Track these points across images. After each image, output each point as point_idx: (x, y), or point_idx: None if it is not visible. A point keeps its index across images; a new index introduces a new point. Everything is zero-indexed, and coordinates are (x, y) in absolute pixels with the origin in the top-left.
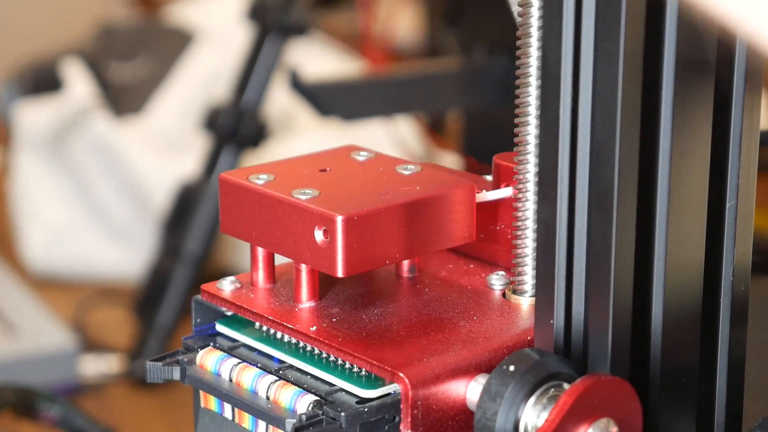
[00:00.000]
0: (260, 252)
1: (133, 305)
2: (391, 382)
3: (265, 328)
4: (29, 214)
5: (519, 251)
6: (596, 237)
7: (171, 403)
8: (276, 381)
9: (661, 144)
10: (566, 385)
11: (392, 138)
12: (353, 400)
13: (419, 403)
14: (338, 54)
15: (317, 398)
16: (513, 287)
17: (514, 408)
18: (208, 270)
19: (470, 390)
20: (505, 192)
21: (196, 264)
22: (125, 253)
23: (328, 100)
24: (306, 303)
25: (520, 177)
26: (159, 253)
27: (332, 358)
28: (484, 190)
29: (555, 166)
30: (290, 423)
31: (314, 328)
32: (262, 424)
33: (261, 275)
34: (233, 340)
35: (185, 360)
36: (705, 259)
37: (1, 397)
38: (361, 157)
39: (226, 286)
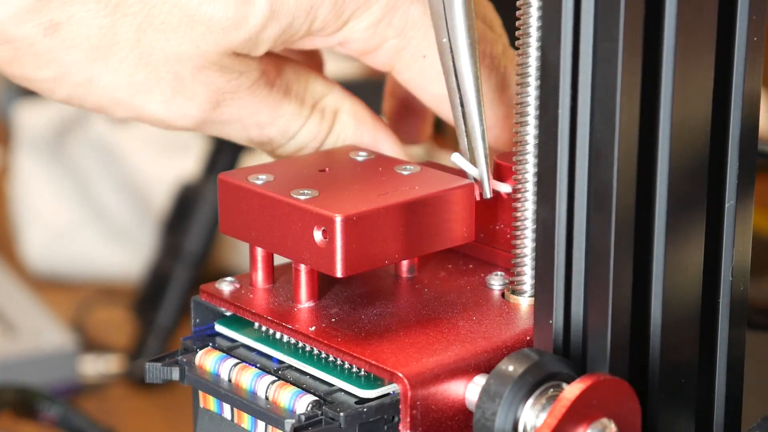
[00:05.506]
0: (259, 252)
1: (133, 305)
2: (390, 383)
3: (264, 328)
4: (29, 214)
5: (518, 251)
6: (595, 237)
7: (170, 404)
8: (275, 381)
9: (660, 144)
10: (565, 385)
11: None
12: (352, 400)
13: (418, 403)
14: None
15: (316, 398)
16: (512, 287)
17: (513, 408)
18: (208, 270)
19: (469, 390)
20: (506, 186)
21: (196, 264)
22: (125, 253)
23: None
24: (305, 303)
25: (519, 177)
26: (159, 253)
27: (331, 358)
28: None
29: (554, 166)
30: (289, 423)
31: (313, 328)
32: (261, 424)
33: (260, 275)
34: (232, 341)
35: (184, 360)
36: (704, 259)
37: (1, 397)
38: (360, 157)
39: (226, 286)
